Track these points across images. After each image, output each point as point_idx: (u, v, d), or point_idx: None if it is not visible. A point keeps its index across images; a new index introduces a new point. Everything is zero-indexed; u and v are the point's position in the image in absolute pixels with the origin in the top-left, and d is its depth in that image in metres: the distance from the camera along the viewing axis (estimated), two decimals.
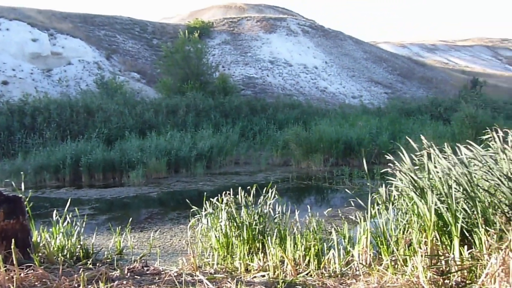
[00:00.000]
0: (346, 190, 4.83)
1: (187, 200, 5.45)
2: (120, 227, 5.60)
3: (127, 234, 5.54)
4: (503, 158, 3.85)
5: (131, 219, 6.06)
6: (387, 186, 4.69)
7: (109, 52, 28.75)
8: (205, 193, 5.29)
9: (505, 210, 3.55)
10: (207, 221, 4.83)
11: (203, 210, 4.96)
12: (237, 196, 4.80)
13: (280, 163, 14.85)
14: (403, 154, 4.42)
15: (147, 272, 3.65)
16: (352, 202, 4.54)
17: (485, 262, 3.10)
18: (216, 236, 4.55)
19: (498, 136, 4.13)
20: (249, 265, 3.96)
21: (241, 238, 4.34)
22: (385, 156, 4.78)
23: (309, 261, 3.85)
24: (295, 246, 3.98)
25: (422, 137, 4.31)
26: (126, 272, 3.56)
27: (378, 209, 4.27)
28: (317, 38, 38.57)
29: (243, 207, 4.60)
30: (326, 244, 4.16)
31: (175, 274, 3.38)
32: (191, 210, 5.16)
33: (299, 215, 4.65)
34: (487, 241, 3.21)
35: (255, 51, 33.70)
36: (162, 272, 3.61)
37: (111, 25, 33.53)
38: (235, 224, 4.48)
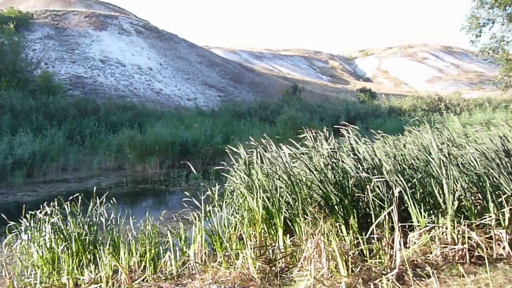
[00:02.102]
0: (185, 190, 4.88)
1: (2, 215, 4.75)
2: None
3: None
4: (316, 155, 4.43)
5: None
6: (221, 185, 4.92)
7: None
8: (25, 205, 4.69)
9: (319, 200, 4.09)
10: (28, 236, 4.30)
11: (23, 224, 4.39)
12: (64, 206, 4.40)
13: (114, 168, 14.13)
14: (235, 154, 4.71)
15: None
16: (188, 203, 4.60)
17: (303, 247, 3.52)
18: (38, 252, 4.08)
19: (313, 136, 4.73)
20: (79, 279, 3.68)
21: (69, 251, 4.00)
22: (220, 156, 4.99)
23: (145, 266, 3.77)
24: (130, 253, 3.85)
25: (258, 138, 4.62)
26: None
27: (212, 207, 4.45)
28: (151, 39, 37.89)
29: (70, 217, 4.24)
30: (163, 247, 4.14)
31: None
32: (8, 225, 4.52)
33: (135, 221, 4.51)
34: (305, 228, 3.66)
35: (84, 49, 31.29)
36: None
37: None
38: (61, 237, 4.10)
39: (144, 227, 4.40)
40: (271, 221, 4.03)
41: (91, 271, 3.66)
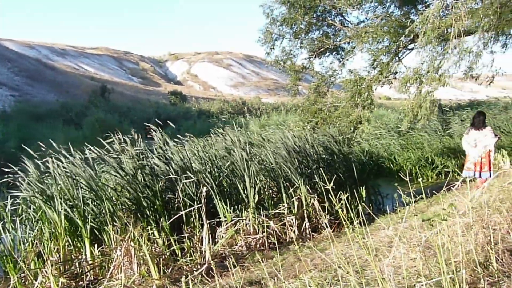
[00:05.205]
0: None
1: None
2: None
3: None
4: (125, 158, 4.30)
5: None
6: (15, 198, 4.31)
7: None
8: None
9: (129, 205, 3.98)
10: None
11: None
12: None
13: None
14: (30, 162, 4.21)
15: None
16: None
17: (113, 255, 3.37)
18: None
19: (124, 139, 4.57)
20: None
21: None
22: (14, 165, 4.40)
23: None
24: None
25: (61, 142, 4.22)
26: None
27: (3, 225, 3.86)
28: None
29: None
30: None
31: None
32: None
33: None
34: (114, 236, 3.51)
35: None
36: None
37: None
38: None
39: None
40: (76, 232, 3.73)
41: None
